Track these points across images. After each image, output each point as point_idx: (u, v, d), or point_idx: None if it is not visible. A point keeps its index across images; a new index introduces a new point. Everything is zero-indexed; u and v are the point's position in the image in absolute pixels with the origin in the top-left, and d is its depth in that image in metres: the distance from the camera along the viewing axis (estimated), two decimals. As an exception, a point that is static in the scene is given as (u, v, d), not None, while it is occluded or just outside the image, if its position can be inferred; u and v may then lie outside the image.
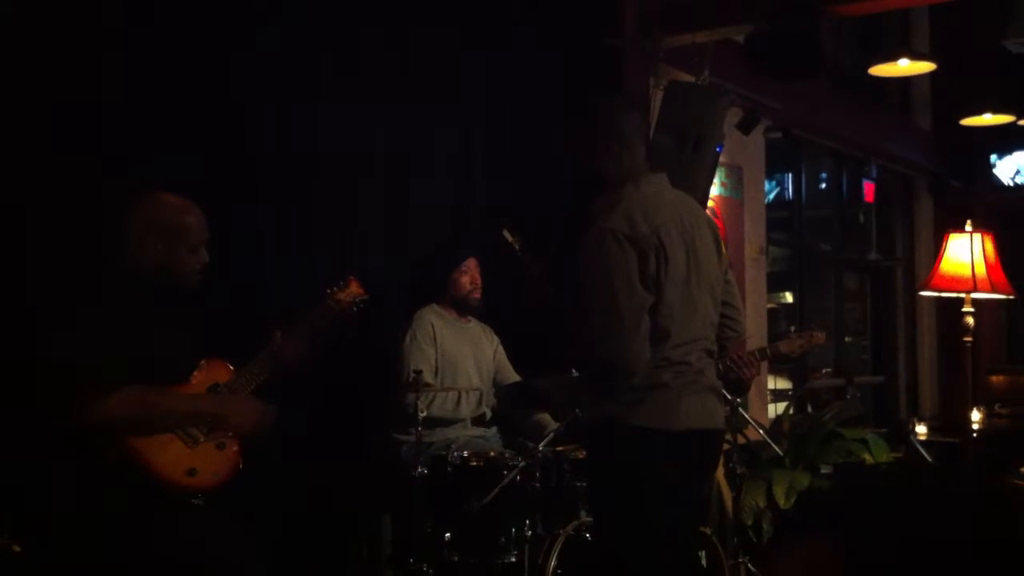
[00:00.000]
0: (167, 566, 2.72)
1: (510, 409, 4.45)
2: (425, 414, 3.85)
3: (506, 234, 3.66)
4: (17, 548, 2.77)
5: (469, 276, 4.39)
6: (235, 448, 2.93)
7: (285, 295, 3.97)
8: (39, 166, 3.35)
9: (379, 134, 4.52)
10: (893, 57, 6.16)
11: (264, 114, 4.03)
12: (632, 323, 2.80)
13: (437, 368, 4.23)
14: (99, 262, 2.95)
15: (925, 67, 6.33)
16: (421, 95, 4.62)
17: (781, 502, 5.14)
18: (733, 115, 5.47)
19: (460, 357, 4.33)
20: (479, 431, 4.29)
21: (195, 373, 2.95)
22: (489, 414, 4.36)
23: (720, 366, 3.29)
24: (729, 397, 3.91)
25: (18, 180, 3.30)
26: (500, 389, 4.44)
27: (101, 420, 2.69)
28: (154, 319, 2.88)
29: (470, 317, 4.47)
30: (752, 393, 6.32)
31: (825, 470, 5.49)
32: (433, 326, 4.29)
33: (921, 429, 7.48)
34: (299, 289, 3.90)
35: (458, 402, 4.21)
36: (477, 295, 4.41)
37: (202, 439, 2.86)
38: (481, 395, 4.31)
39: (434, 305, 4.39)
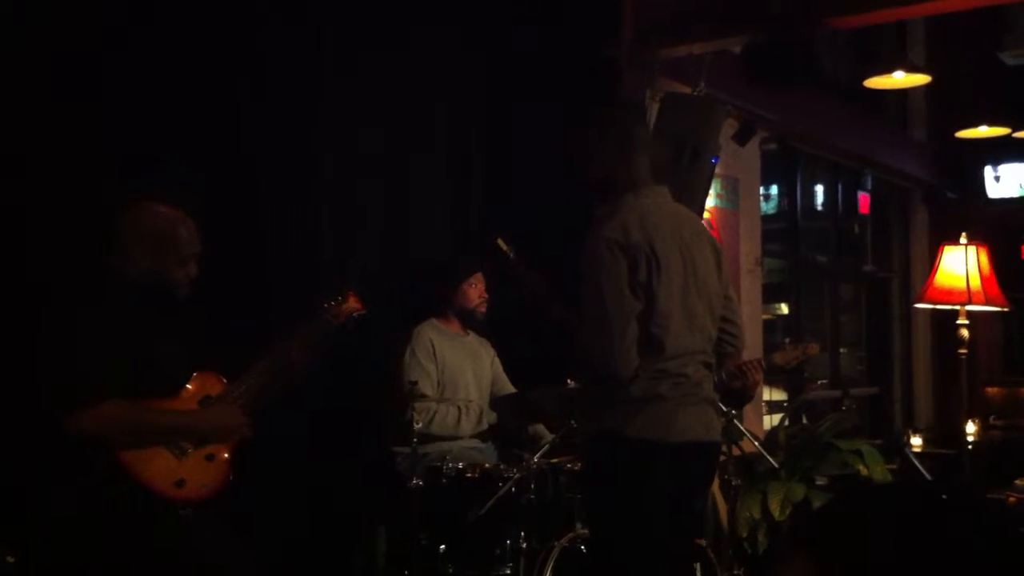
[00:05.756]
0: (166, 570, 2.71)
1: (507, 421, 4.43)
2: (419, 426, 3.82)
3: (500, 243, 3.64)
4: (11, 559, 2.76)
5: (477, 289, 4.38)
6: (225, 460, 2.92)
7: (284, 301, 3.95)
8: (40, 167, 3.34)
9: (379, 134, 4.51)
10: (889, 69, 6.17)
11: (264, 114, 4.02)
12: (619, 329, 2.81)
13: (439, 383, 4.21)
14: (100, 267, 2.94)
15: (921, 79, 6.34)
16: (421, 95, 4.62)
17: (776, 514, 5.14)
18: (729, 126, 5.47)
19: (460, 371, 4.31)
20: (474, 442, 4.27)
21: (187, 386, 2.94)
22: (485, 425, 4.34)
23: (724, 375, 3.30)
24: (725, 409, 3.90)
25: (18, 180, 3.29)
26: (496, 401, 4.42)
27: (81, 432, 2.67)
28: (153, 328, 2.87)
29: (469, 330, 4.46)
30: (748, 405, 6.31)
31: (820, 482, 5.49)
32: (432, 342, 4.26)
33: (916, 441, 7.49)
34: (298, 294, 3.89)
35: (458, 420, 4.19)
36: (483, 309, 4.39)
37: (191, 450, 2.84)
38: (482, 411, 4.28)
39: (433, 320, 4.37)
